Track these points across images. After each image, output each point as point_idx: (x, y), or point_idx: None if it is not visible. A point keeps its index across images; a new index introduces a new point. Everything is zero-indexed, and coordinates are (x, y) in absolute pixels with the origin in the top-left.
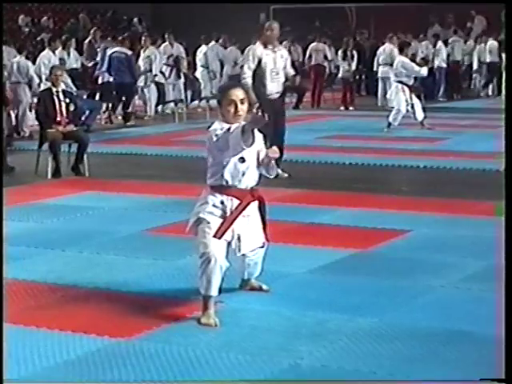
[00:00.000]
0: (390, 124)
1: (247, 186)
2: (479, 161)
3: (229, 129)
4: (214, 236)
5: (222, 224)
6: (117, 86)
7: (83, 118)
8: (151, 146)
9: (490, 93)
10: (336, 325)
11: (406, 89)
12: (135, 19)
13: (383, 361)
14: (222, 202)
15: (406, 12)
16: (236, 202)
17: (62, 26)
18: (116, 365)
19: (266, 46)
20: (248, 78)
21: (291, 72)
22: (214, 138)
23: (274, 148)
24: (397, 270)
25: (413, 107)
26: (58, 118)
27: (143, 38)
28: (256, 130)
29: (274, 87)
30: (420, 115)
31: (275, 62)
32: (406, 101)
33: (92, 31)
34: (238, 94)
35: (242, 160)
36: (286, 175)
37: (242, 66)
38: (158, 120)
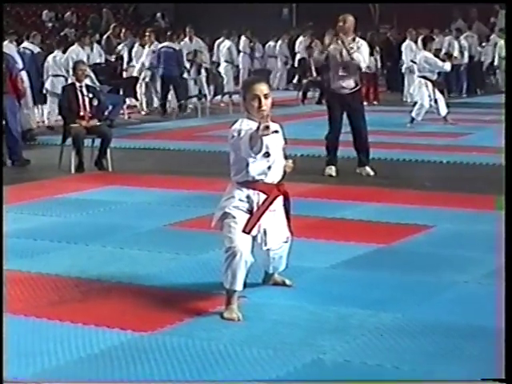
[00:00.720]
0: (413, 119)
1: (273, 181)
2: (502, 156)
3: (239, 132)
4: (243, 231)
5: (250, 219)
6: (166, 78)
7: (106, 113)
8: (174, 140)
9: None
10: (359, 320)
11: (429, 84)
12: (158, 14)
13: (406, 356)
14: (248, 197)
15: (429, 6)
16: (262, 196)
17: (85, 21)
18: (139, 359)
19: (336, 39)
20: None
21: (362, 65)
22: (231, 140)
23: (290, 163)
24: (420, 266)
25: (436, 102)
26: (82, 113)
27: (147, 33)
28: (277, 126)
29: (340, 82)
30: (443, 110)
31: (342, 55)
32: (429, 96)
33: (112, 27)
34: (262, 88)
35: (267, 155)
36: (371, 173)
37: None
38: (180, 115)
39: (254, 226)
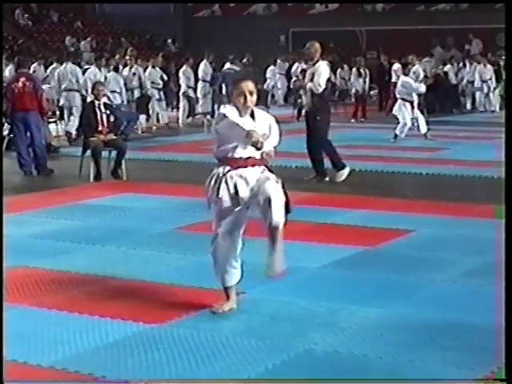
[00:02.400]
0: (396, 135)
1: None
2: (476, 168)
3: (225, 115)
4: None
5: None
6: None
7: (122, 128)
8: (182, 152)
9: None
10: (346, 314)
11: (407, 105)
12: (169, 40)
13: (389, 347)
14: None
15: (411, 35)
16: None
17: (103, 46)
18: (150, 348)
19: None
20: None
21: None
22: (219, 123)
23: (271, 153)
24: (402, 266)
25: (417, 121)
26: (100, 128)
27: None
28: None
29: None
30: (423, 128)
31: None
32: (409, 115)
33: (129, 51)
34: (248, 85)
35: (259, 148)
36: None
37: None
38: (188, 130)
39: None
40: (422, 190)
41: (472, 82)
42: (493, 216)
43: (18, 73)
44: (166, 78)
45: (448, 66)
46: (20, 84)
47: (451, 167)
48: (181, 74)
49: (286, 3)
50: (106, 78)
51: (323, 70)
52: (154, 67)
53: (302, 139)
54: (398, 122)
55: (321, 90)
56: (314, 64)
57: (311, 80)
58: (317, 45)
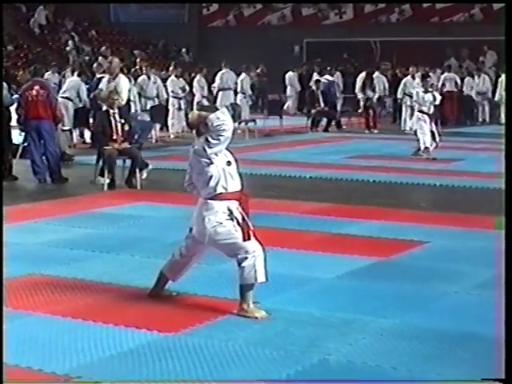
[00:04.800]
0: (418, 150)
1: (237, 189)
2: (490, 180)
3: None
4: (244, 240)
5: (242, 228)
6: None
7: (136, 137)
8: None
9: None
10: (360, 325)
11: (425, 117)
12: (183, 50)
13: (403, 358)
14: (227, 207)
15: (425, 45)
16: (235, 203)
17: (118, 55)
18: (164, 357)
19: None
20: None
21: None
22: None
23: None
24: (415, 277)
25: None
26: (114, 137)
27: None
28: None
29: None
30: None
31: None
32: (427, 126)
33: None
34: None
35: (229, 163)
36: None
37: None
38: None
39: (249, 233)
40: (435, 202)
41: (484, 94)
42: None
43: (32, 81)
44: (187, 88)
45: (466, 79)
46: (34, 92)
47: (465, 179)
48: (195, 83)
49: (300, 14)
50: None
51: (123, 83)
52: (176, 76)
53: (316, 149)
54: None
55: (124, 102)
56: (114, 78)
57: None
58: (116, 60)
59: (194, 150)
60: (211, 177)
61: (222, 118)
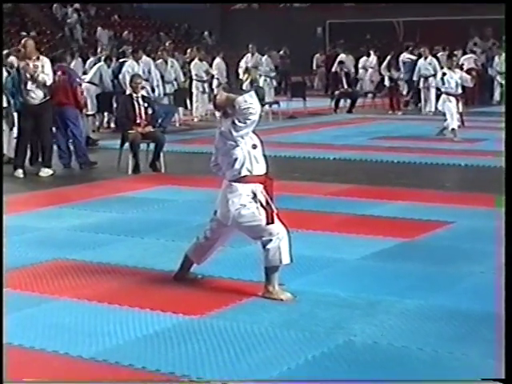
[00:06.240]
0: (444, 129)
1: (262, 172)
2: None
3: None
4: (267, 223)
5: (267, 211)
6: None
7: (160, 121)
8: None
9: None
10: (386, 306)
11: (451, 98)
12: (206, 33)
13: (428, 339)
14: (252, 190)
15: (449, 25)
16: (259, 186)
17: (140, 39)
18: (189, 339)
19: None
20: None
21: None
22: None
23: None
24: (440, 258)
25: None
26: (138, 121)
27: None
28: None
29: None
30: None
31: None
32: (454, 108)
33: (168, 43)
34: None
35: (255, 146)
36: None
37: None
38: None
39: (273, 216)
40: (460, 182)
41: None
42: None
43: (57, 66)
44: (211, 71)
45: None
46: (56, 78)
47: (489, 158)
48: (214, 66)
49: None
50: (144, 71)
51: (46, 63)
52: (200, 60)
53: (339, 131)
54: (444, 118)
55: (50, 82)
56: (37, 58)
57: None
58: (30, 41)
59: (220, 132)
60: (236, 159)
61: (250, 101)
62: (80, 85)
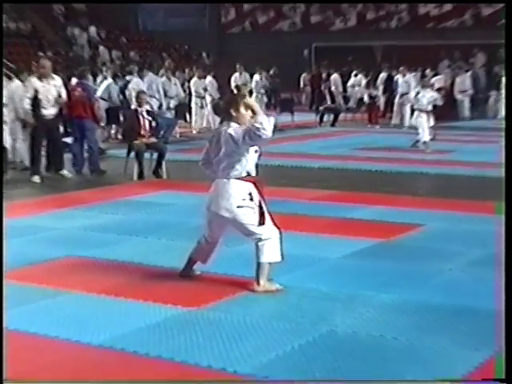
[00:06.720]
0: (424, 142)
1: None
2: (480, 169)
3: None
4: (259, 224)
5: (260, 212)
6: None
7: (162, 132)
8: None
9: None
10: (364, 300)
11: (422, 114)
12: (204, 54)
13: (403, 329)
14: (248, 189)
15: (421, 49)
16: (252, 186)
17: (145, 58)
18: (188, 329)
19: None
20: None
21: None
22: (245, 141)
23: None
24: (414, 257)
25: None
26: (142, 132)
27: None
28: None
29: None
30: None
31: None
32: (426, 123)
33: (167, 62)
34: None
35: (256, 151)
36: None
37: None
38: None
39: (265, 217)
40: (431, 189)
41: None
42: (494, 212)
43: (76, 83)
44: (209, 88)
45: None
46: (76, 93)
47: (458, 168)
48: (207, 83)
49: (309, 21)
50: (149, 87)
51: (60, 82)
52: (199, 78)
53: (324, 142)
54: (417, 132)
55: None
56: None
57: None
58: (47, 62)
59: (230, 134)
60: (239, 161)
61: (267, 127)
62: (97, 100)
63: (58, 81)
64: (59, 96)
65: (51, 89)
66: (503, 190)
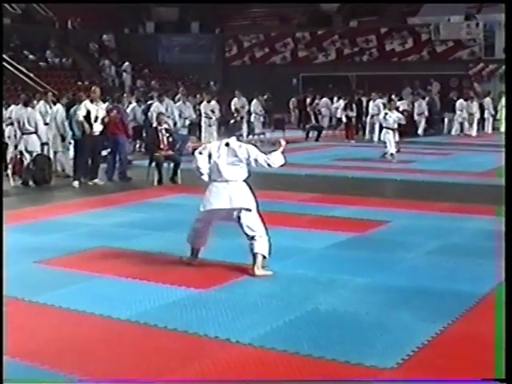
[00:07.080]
0: (391, 154)
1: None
2: (436, 176)
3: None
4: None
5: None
6: None
7: (178, 146)
8: None
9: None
10: (342, 283)
11: (389, 131)
12: (211, 82)
13: (373, 306)
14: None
15: (389, 78)
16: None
17: (164, 86)
18: (199, 306)
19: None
20: None
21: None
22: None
23: None
24: (382, 247)
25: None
26: (161, 146)
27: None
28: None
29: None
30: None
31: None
32: (393, 138)
33: (181, 90)
34: None
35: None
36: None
37: None
38: None
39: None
40: (396, 192)
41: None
42: (449, 210)
43: (113, 106)
44: (216, 111)
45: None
46: (112, 114)
47: (417, 175)
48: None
49: (297, 55)
50: (167, 109)
51: (103, 105)
52: (208, 102)
53: (309, 154)
54: (385, 145)
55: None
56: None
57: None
58: (97, 89)
59: (240, 146)
60: (243, 168)
61: (277, 165)
62: (128, 120)
63: (103, 105)
64: (104, 117)
65: (99, 110)
66: (456, 192)
